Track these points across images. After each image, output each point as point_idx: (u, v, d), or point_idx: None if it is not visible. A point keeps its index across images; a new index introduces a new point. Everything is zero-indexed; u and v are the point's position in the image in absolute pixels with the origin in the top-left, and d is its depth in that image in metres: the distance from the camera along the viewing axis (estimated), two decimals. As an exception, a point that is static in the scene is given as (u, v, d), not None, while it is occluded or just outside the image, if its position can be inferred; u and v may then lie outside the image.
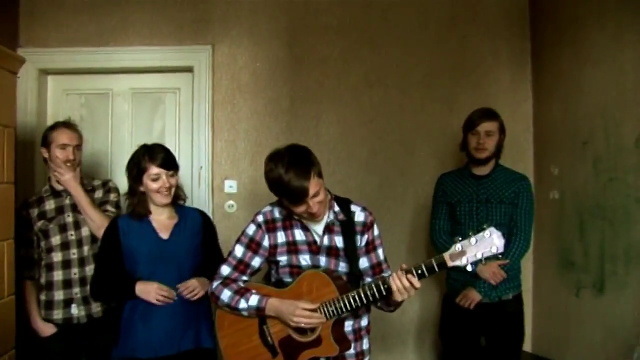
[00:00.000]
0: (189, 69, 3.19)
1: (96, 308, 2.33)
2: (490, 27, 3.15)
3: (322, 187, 1.75)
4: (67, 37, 3.16)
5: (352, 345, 1.85)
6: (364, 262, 1.87)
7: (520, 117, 3.11)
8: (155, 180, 2.06)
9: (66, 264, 2.31)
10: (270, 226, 1.88)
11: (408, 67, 3.16)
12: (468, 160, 2.56)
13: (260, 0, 3.17)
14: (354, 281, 1.82)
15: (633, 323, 2.16)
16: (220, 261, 1.96)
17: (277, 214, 1.88)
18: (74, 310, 2.30)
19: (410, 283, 1.63)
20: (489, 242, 1.56)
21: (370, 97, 3.16)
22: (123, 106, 3.28)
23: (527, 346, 2.88)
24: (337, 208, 1.86)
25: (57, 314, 2.31)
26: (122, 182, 2.92)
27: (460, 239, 1.61)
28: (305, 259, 1.85)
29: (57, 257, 2.31)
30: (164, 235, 2.12)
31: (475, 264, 1.61)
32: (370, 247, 1.88)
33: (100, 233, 2.20)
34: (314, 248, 1.85)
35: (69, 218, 2.34)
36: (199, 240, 2.17)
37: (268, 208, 1.91)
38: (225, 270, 1.90)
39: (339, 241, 1.85)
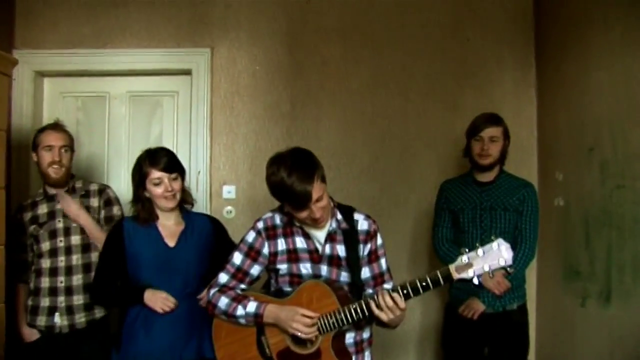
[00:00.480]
0: (187, 72, 3.14)
1: (80, 319, 2.28)
2: (494, 30, 3.11)
3: (325, 191, 1.71)
4: (63, 39, 3.12)
5: (353, 358, 1.79)
6: (365, 273, 1.83)
7: (524, 121, 3.06)
8: (157, 184, 2.03)
9: (53, 272, 2.28)
10: (270, 233, 1.83)
11: (410, 70, 3.11)
12: (471, 167, 2.52)
13: (260, 2, 3.13)
14: (356, 292, 1.78)
15: (641, 334, 2.11)
16: None
17: (277, 221, 1.84)
18: (57, 319, 2.27)
19: (395, 302, 1.58)
20: (497, 254, 1.51)
21: (371, 101, 3.11)
22: (120, 109, 3.24)
23: (532, 357, 2.82)
24: (339, 216, 1.82)
25: (41, 321, 2.28)
26: (118, 187, 2.91)
27: (467, 250, 1.56)
28: (306, 268, 1.80)
29: (45, 263, 2.28)
30: (171, 242, 2.08)
31: (481, 276, 1.55)
32: (373, 257, 1.83)
33: None
34: (315, 257, 1.80)
35: (60, 224, 2.31)
36: (207, 248, 2.13)
37: (269, 214, 1.87)
38: (223, 278, 1.86)
39: (341, 250, 1.80)
